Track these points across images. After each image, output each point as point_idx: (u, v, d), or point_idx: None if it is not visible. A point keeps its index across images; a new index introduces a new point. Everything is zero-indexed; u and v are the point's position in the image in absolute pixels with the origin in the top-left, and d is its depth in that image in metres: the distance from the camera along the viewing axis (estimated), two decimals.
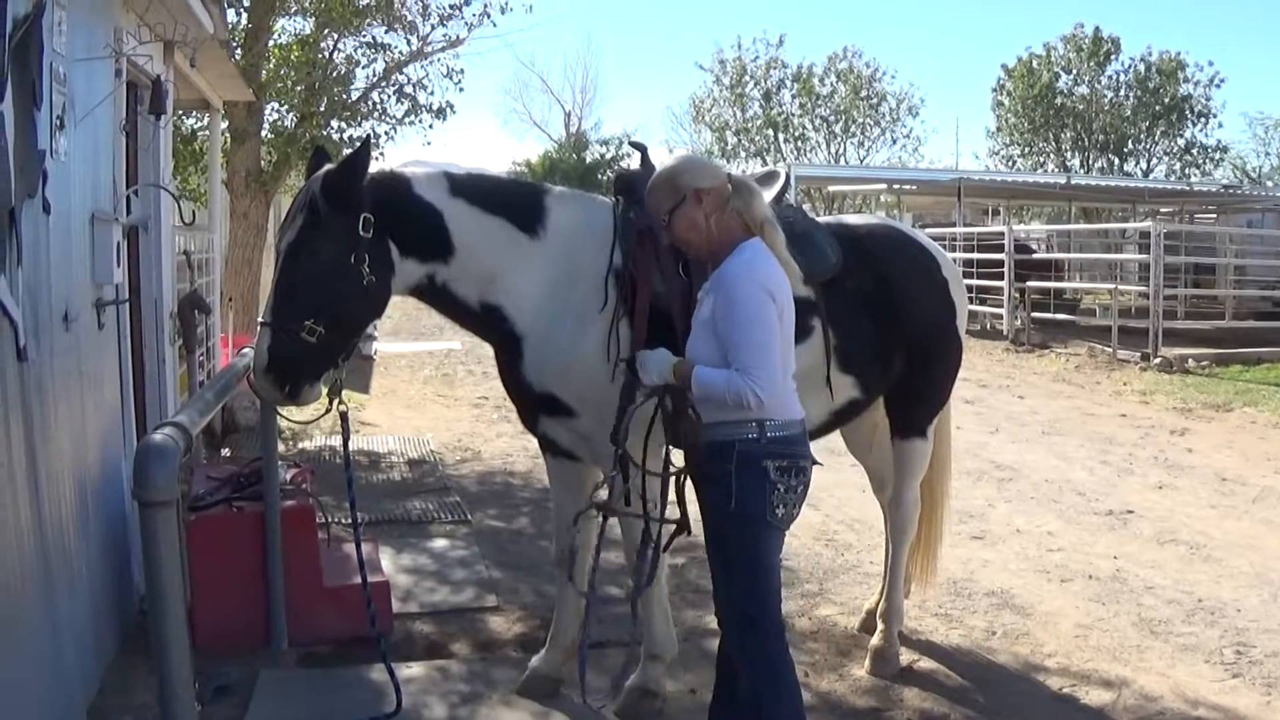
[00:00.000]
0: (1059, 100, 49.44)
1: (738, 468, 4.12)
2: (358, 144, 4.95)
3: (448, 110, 17.03)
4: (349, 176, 4.68)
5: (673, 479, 4.52)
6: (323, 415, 5.08)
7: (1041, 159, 50.63)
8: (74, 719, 4.99)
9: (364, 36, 16.25)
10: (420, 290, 5.05)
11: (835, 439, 6.47)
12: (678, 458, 4.54)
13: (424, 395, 15.94)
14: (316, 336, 4.64)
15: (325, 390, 4.95)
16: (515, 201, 5.13)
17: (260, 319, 4.81)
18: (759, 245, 4.24)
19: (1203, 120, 49.90)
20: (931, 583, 6.74)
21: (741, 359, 4.04)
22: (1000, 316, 23.49)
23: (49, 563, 4.71)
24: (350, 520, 5.60)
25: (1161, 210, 33.37)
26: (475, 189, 5.04)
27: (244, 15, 15.16)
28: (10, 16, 4.17)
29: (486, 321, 5.11)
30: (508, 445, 12.04)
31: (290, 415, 6.03)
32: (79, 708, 5.09)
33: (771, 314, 4.09)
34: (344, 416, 5.14)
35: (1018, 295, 22.88)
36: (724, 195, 4.29)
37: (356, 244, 4.67)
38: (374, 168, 4.85)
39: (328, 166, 4.80)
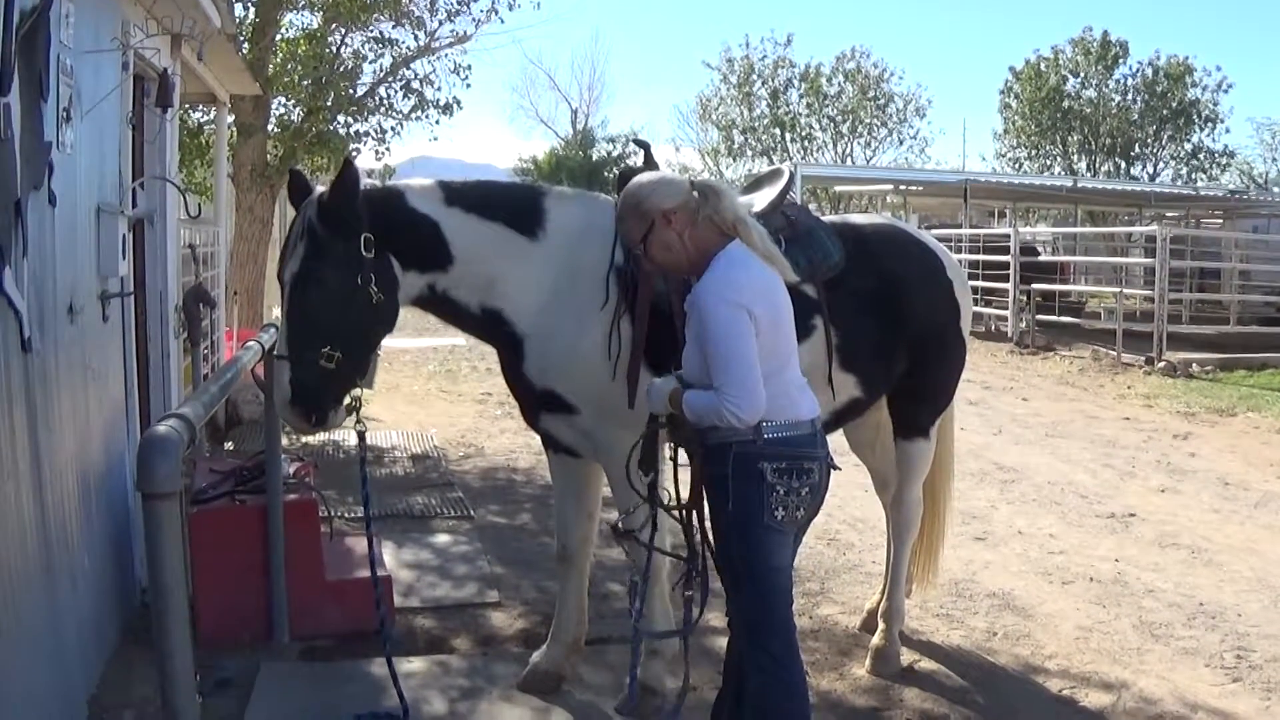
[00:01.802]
0: (1066, 103, 49.43)
1: (734, 470, 4.10)
2: (358, 147, 4.93)
3: (454, 106, 17.00)
4: (343, 199, 4.67)
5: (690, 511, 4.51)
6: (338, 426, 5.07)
7: (1048, 162, 50.62)
8: (74, 711, 5.00)
9: (371, 31, 16.21)
10: (421, 300, 5.06)
11: (838, 438, 6.46)
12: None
13: (428, 391, 15.96)
14: (335, 362, 4.67)
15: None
16: (513, 205, 5.14)
17: (276, 353, 4.82)
18: (735, 252, 4.13)
19: (1210, 125, 49.90)
20: (933, 583, 6.74)
21: (717, 380, 4.00)
22: (1005, 318, 23.46)
23: (51, 554, 4.72)
24: (352, 515, 5.60)
25: (1167, 214, 33.37)
26: (471, 196, 5.05)
27: (251, 9, 15.15)
28: (18, 8, 4.17)
29: (488, 325, 5.12)
30: (511, 442, 12.05)
31: None
32: (79, 700, 5.10)
33: (742, 329, 3.98)
34: (361, 436, 5.16)
35: (1023, 297, 22.88)
36: (691, 208, 4.17)
37: (361, 265, 4.68)
38: (367, 184, 4.85)
39: (319, 191, 4.79)
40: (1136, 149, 50.19)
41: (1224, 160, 50.96)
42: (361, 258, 4.66)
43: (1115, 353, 19.29)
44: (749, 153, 53.51)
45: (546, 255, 5.03)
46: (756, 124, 53.55)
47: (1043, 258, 27.36)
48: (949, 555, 7.08)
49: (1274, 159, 52.78)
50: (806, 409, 4.22)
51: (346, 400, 4.87)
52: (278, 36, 15.49)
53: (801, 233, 5.32)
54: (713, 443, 4.15)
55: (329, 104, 15.75)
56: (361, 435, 5.14)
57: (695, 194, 4.21)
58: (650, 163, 5.36)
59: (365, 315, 4.73)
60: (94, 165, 5.82)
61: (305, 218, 4.71)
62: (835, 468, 4.33)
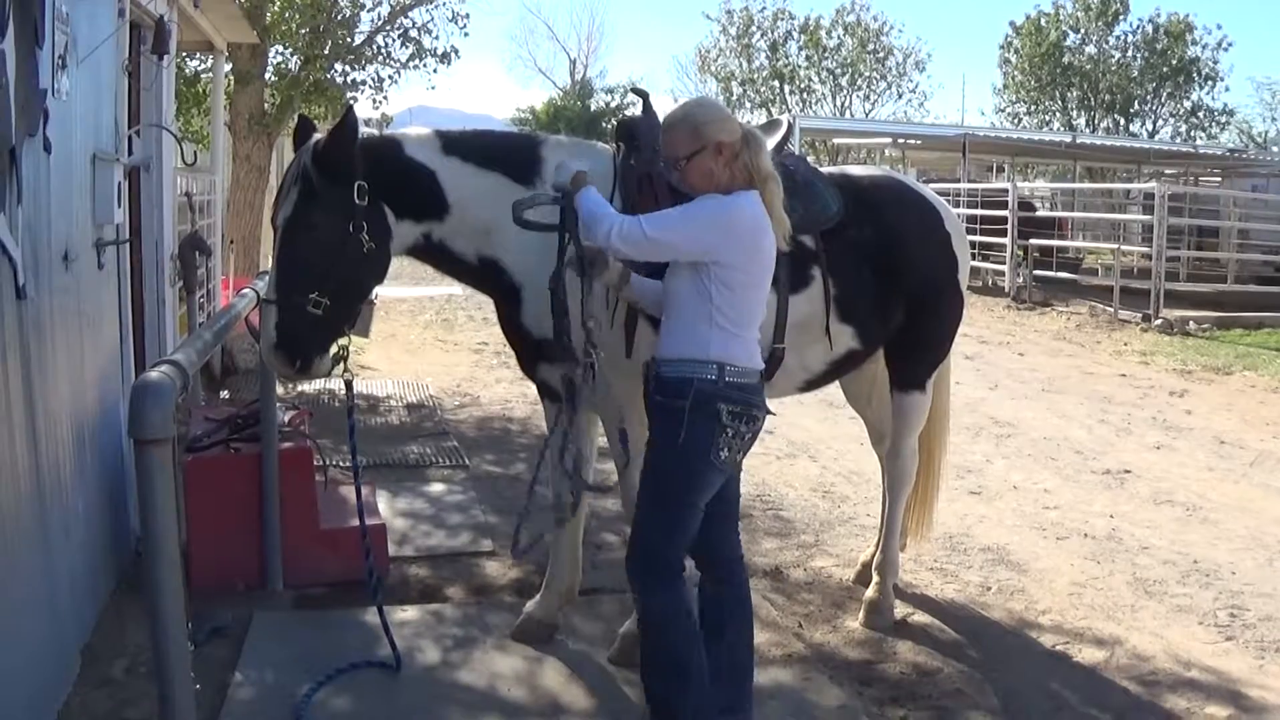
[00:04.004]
0: (1066, 59, 49.11)
1: (692, 405, 4.20)
2: (355, 96, 4.91)
3: (452, 55, 16.95)
4: (339, 146, 4.64)
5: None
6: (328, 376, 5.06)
7: (1047, 117, 50.39)
8: (67, 659, 5.00)
9: None
10: (417, 249, 5.05)
11: (834, 391, 6.48)
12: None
13: (424, 340, 15.94)
14: (323, 309, 4.64)
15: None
16: (510, 155, 5.13)
17: (264, 296, 4.80)
18: (753, 196, 4.27)
19: (1210, 83, 49.62)
20: (927, 537, 6.76)
21: (642, 218, 4.26)
22: (1002, 273, 23.45)
23: (45, 503, 4.70)
24: (347, 464, 5.58)
25: (1166, 172, 33.34)
26: (468, 146, 5.04)
27: None
28: None
29: (485, 275, 5.12)
30: (506, 391, 12.05)
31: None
32: (72, 649, 5.10)
33: (699, 225, 4.20)
34: (349, 385, 5.14)
35: (1020, 253, 22.85)
36: (738, 149, 4.29)
37: (353, 213, 4.65)
38: (366, 132, 4.83)
39: (316, 137, 4.77)
40: (1136, 106, 49.93)
41: (1223, 119, 50.77)
42: (354, 205, 4.64)
43: (1112, 309, 19.28)
44: (748, 104, 53.29)
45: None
46: (755, 76, 53.36)
47: (1041, 213, 27.32)
48: (943, 509, 7.08)
49: (1273, 118, 52.95)
50: (759, 361, 4.41)
51: (334, 349, 4.85)
52: None
53: (800, 184, 5.29)
54: (671, 375, 4.27)
55: (326, 52, 15.68)
56: (349, 384, 5.11)
57: (741, 139, 4.34)
58: (649, 112, 5.32)
59: (356, 263, 4.71)
60: (90, 112, 5.78)
61: (300, 163, 4.69)
62: (770, 413, 4.47)
